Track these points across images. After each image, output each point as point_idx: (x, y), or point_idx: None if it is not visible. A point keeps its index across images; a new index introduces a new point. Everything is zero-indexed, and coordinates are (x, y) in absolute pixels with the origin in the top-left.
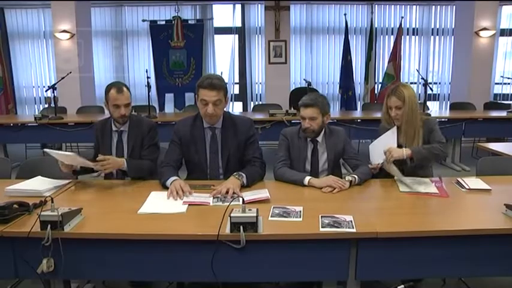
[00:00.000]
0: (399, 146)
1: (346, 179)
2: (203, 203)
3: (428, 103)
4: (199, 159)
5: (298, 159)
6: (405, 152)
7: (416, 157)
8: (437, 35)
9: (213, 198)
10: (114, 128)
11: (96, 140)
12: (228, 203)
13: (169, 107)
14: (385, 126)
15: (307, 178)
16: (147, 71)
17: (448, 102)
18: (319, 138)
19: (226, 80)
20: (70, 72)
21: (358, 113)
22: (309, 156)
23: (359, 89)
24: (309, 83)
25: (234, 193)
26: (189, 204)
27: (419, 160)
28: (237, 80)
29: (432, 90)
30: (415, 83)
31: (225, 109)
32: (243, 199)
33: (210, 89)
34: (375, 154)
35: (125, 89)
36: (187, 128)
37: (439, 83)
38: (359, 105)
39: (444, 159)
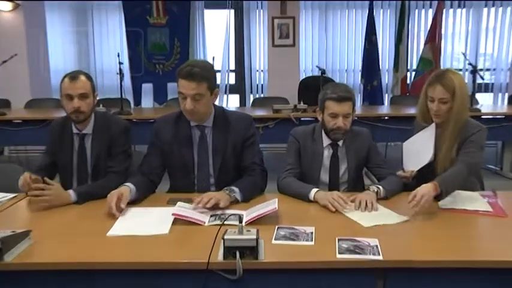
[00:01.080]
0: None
1: (371, 190)
2: (196, 221)
3: (478, 96)
4: (185, 166)
5: (312, 168)
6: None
7: (446, 191)
8: (492, 6)
9: (210, 217)
10: (74, 130)
11: (52, 145)
12: (228, 222)
13: (147, 101)
14: (420, 123)
15: (314, 191)
16: (119, 55)
17: (506, 94)
18: (340, 142)
19: (218, 67)
20: (15, 55)
21: (385, 109)
22: (326, 164)
23: (386, 78)
24: (323, 71)
25: (218, 206)
26: (175, 218)
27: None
28: (232, 67)
29: (483, 78)
30: (461, 70)
31: (218, 104)
32: (240, 217)
33: (188, 79)
34: (409, 158)
35: (82, 76)
36: (170, 127)
37: (494, 70)
38: (386, 98)
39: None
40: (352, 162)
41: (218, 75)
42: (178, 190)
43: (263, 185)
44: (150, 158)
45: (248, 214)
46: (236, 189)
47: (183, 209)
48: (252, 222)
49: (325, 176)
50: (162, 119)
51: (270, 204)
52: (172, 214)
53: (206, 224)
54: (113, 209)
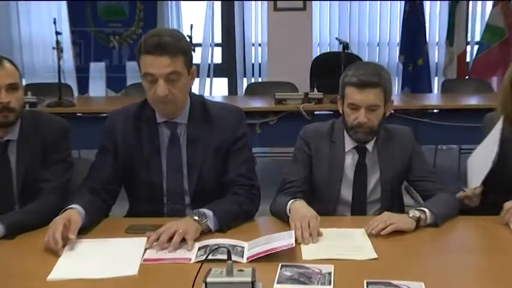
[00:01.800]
0: None
1: (410, 215)
2: (179, 261)
3: None
4: (150, 179)
5: (329, 182)
6: None
7: None
8: None
9: (198, 250)
10: None
11: None
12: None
13: (97, 87)
14: (492, 119)
15: (291, 202)
16: (55, 22)
17: None
18: (370, 145)
19: (199, 40)
20: None
21: (434, 98)
22: (349, 176)
23: (436, 54)
24: (346, 45)
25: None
26: (144, 260)
27: None
28: (218, 39)
29: None
30: None
31: (193, 90)
32: (228, 252)
33: (158, 53)
34: (475, 172)
35: (6, 62)
36: (129, 125)
37: None
38: (436, 83)
39: None
40: (386, 173)
41: (198, 50)
42: (140, 213)
43: (251, 207)
44: (100, 168)
45: (252, 247)
46: (209, 213)
47: (155, 249)
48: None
49: (347, 193)
50: (117, 113)
51: (284, 236)
52: (144, 260)
53: (192, 260)
54: (58, 243)
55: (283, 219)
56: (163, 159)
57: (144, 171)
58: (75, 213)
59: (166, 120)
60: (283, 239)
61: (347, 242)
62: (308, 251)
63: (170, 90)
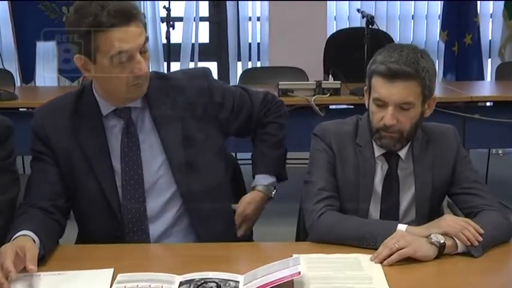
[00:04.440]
0: None
1: (432, 240)
2: None
3: None
4: (98, 190)
5: (355, 194)
6: None
7: None
8: None
9: (180, 285)
10: None
11: None
12: None
13: (46, 74)
14: None
15: (401, 229)
16: None
17: None
18: (403, 151)
19: (179, 13)
20: None
21: (486, 87)
22: (377, 189)
23: (490, 30)
24: (371, 19)
25: None
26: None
27: None
28: (205, 12)
29: None
30: None
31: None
32: (218, 286)
33: (126, 22)
34: None
35: None
36: (63, 123)
37: None
38: (489, 67)
39: None
40: (424, 187)
41: (178, 27)
42: (94, 239)
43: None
44: (43, 179)
45: (249, 281)
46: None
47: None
48: None
49: (375, 212)
50: (46, 109)
51: (288, 263)
52: None
53: None
54: (11, 273)
55: (355, 244)
56: (115, 161)
57: (90, 178)
58: (29, 241)
59: (115, 108)
60: (288, 267)
61: (351, 271)
62: (299, 285)
63: (145, 67)
